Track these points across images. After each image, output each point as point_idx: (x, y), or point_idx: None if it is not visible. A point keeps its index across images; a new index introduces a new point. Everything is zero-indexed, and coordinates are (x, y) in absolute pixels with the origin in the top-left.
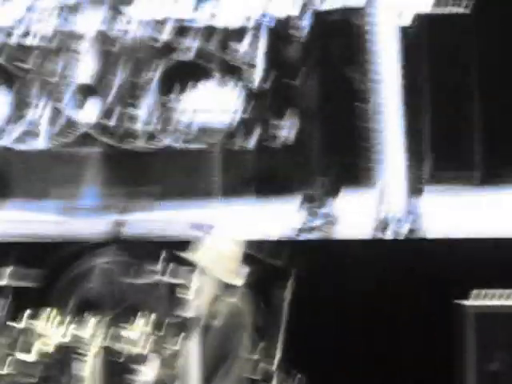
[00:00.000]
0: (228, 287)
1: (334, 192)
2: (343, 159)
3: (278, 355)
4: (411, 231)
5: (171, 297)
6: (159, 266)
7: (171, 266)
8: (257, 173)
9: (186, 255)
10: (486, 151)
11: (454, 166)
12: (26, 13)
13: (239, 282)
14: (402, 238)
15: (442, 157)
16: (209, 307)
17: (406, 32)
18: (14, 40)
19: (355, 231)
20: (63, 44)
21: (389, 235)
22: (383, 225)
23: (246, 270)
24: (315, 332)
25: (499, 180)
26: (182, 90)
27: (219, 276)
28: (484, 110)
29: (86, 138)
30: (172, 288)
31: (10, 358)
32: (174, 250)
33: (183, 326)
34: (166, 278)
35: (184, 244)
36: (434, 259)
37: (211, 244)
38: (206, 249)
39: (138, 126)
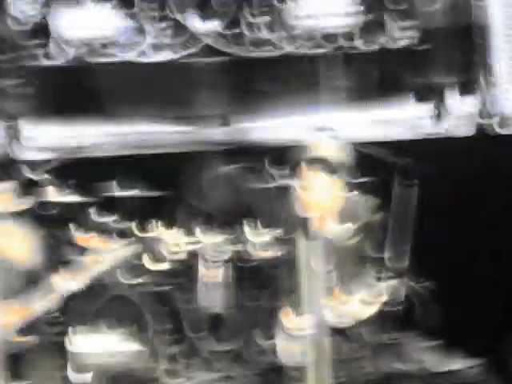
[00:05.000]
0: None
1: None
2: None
3: (406, 260)
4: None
5: (288, 199)
6: (277, 170)
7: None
8: (379, 76)
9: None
10: None
11: None
12: None
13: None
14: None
15: None
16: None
17: None
18: None
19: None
20: None
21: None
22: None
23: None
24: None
25: None
26: None
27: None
28: None
29: (209, 49)
30: (287, 190)
31: (141, 268)
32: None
33: (301, 227)
34: (283, 181)
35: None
36: None
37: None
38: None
39: (260, 34)
